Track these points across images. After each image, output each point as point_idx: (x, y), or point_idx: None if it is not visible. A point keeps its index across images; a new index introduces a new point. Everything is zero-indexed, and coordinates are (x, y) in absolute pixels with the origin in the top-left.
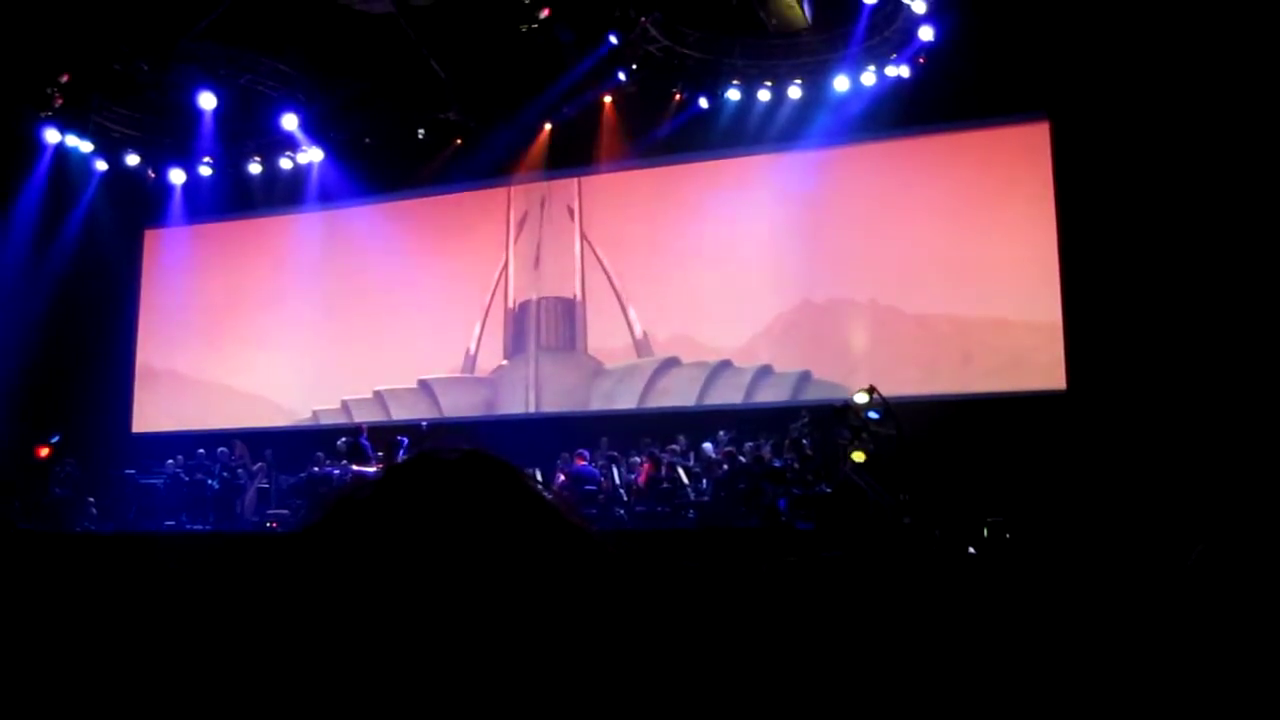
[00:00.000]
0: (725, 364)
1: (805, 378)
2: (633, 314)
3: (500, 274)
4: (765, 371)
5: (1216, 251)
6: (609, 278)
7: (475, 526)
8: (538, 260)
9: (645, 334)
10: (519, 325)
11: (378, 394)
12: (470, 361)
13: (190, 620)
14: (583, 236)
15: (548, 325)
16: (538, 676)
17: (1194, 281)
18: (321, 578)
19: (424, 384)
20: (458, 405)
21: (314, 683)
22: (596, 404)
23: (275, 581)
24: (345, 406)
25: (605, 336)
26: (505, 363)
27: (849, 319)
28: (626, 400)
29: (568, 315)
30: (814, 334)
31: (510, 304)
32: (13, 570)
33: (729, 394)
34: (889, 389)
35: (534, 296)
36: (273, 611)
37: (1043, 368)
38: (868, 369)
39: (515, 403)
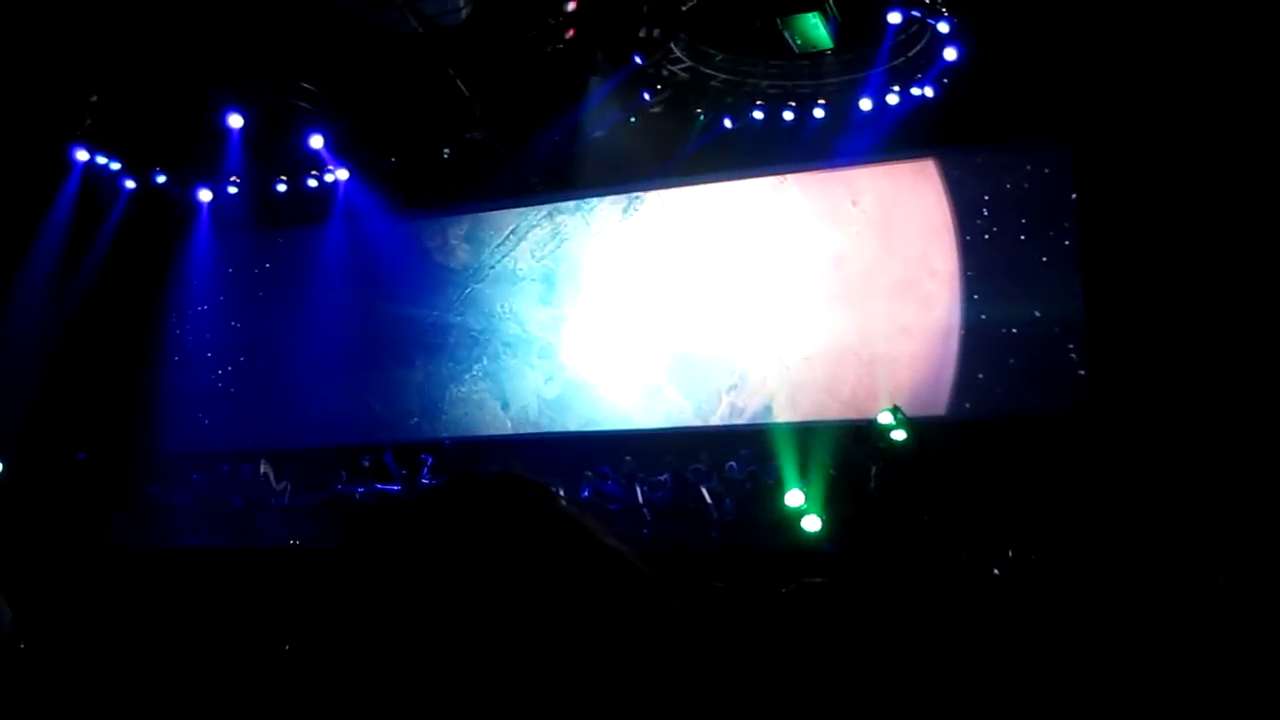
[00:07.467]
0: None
1: (829, 395)
2: (657, 333)
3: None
4: (790, 389)
5: (1241, 274)
6: (633, 297)
7: (514, 548)
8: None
9: (671, 353)
10: None
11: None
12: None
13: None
14: (607, 256)
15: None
16: (574, 694)
17: (1218, 303)
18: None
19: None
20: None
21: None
22: (620, 422)
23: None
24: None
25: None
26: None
27: (871, 337)
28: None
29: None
30: (836, 351)
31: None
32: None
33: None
34: (913, 408)
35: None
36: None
37: (1067, 387)
38: (891, 388)
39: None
